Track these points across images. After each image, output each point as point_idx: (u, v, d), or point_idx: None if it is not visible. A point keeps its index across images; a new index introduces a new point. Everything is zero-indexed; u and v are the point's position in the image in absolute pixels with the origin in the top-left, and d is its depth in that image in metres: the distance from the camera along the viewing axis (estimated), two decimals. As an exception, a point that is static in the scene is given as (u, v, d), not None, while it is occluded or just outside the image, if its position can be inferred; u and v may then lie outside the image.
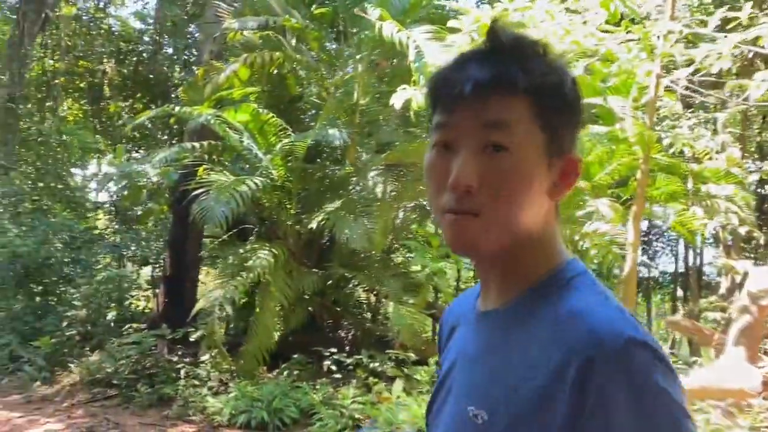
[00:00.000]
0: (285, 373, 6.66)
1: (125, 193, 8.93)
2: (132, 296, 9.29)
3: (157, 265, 10.44)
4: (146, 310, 9.88)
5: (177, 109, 7.03)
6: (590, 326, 0.71)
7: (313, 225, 6.53)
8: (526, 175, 0.76)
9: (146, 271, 11.05)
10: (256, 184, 6.52)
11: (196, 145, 6.93)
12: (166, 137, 14.71)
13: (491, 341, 0.82)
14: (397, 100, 5.79)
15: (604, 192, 6.57)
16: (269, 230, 7.73)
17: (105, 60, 16.03)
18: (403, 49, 5.80)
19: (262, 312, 6.56)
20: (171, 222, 8.62)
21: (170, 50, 16.51)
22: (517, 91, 0.76)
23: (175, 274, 8.34)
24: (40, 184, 11.69)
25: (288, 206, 7.51)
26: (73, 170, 14.67)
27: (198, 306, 6.32)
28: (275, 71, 7.85)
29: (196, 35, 14.49)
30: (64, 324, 8.43)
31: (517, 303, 0.80)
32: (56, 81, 14.65)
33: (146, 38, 16.41)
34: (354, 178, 7.16)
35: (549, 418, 0.71)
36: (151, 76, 15.34)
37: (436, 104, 0.81)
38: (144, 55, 16.15)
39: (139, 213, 11.06)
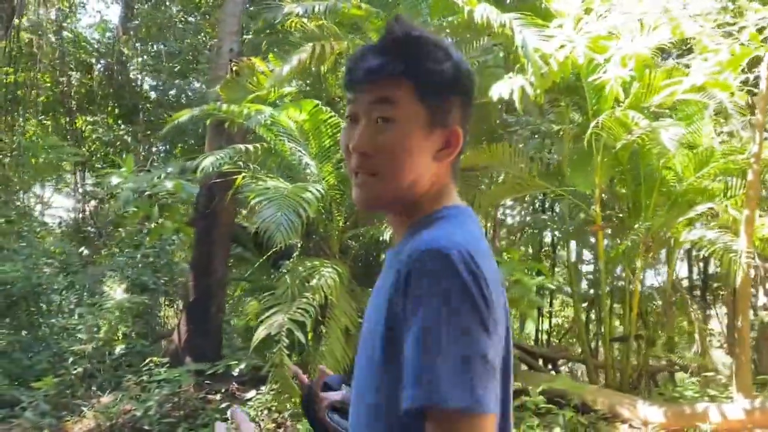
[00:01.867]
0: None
1: (130, 209, 7.85)
2: (162, 326, 8.15)
3: (160, 293, 9.31)
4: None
5: (225, 107, 6.10)
6: (419, 239, 0.94)
7: (385, 237, 5.73)
8: (407, 142, 1.00)
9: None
10: (319, 191, 5.68)
11: (250, 147, 6.02)
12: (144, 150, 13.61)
13: (384, 269, 1.07)
14: (503, 90, 5.12)
15: (705, 195, 6.05)
16: (317, 246, 6.84)
17: (69, 71, 14.80)
18: (504, 35, 5.14)
19: (330, 338, 5.67)
20: (194, 240, 7.60)
21: (138, 59, 15.45)
22: (401, 75, 1.00)
23: (200, 299, 7.31)
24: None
25: (338, 218, 6.68)
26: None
27: (259, 334, 5.37)
28: (313, 68, 7.03)
29: (166, 44, 13.52)
30: (70, 360, 7.24)
31: (405, 237, 1.04)
32: (17, 93, 13.32)
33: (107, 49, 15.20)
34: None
35: (386, 312, 0.94)
36: (117, 88, 14.23)
37: (344, 86, 1.07)
38: (114, 66, 14.92)
39: (133, 232, 9.95)
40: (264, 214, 5.36)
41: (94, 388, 7.44)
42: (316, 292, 5.58)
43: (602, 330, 6.74)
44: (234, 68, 7.03)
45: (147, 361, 6.97)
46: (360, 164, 1.02)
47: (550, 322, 8.34)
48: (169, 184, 7.24)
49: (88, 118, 14.81)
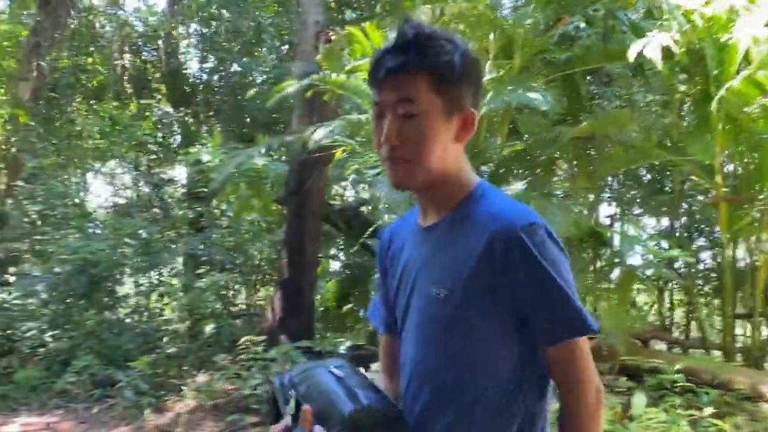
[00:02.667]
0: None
1: (223, 186, 7.69)
2: (235, 305, 8.04)
3: (237, 272, 9.20)
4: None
5: (335, 77, 5.86)
6: (502, 217, 1.15)
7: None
8: (432, 132, 1.17)
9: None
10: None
11: (362, 118, 5.79)
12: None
13: (439, 243, 1.23)
14: (646, 50, 4.79)
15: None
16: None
17: (123, 55, 14.72)
18: None
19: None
20: (287, 217, 7.43)
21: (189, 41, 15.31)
22: (416, 72, 1.16)
23: (293, 278, 7.15)
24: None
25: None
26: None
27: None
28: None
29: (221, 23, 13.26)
30: (163, 339, 7.16)
31: (452, 216, 1.23)
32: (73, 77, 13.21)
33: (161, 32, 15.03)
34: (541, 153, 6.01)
35: (483, 282, 1.14)
36: (170, 71, 14.11)
37: (370, 86, 1.23)
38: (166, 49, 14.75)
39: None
40: (382, 188, 5.14)
41: (185, 367, 7.36)
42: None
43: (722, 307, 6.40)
44: (330, 38, 6.79)
45: (243, 339, 6.85)
46: (392, 153, 1.18)
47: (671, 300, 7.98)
48: (259, 162, 7.05)
49: (141, 102, 14.71)
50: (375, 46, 6.76)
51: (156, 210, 11.74)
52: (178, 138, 13.25)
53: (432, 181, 1.21)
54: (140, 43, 15.10)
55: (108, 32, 14.52)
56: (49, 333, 8.42)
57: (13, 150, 12.00)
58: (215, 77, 13.44)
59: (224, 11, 12.88)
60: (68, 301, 8.09)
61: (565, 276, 1.14)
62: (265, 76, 12.78)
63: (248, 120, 12.02)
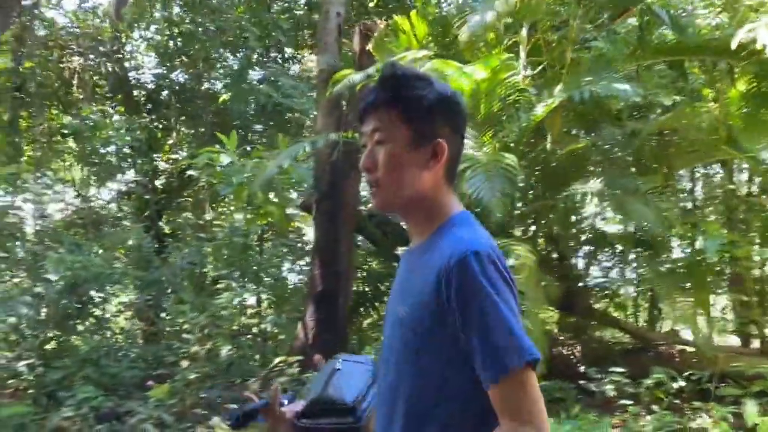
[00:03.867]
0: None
1: (230, 192, 6.97)
2: (253, 324, 7.25)
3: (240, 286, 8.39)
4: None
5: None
6: (453, 244, 1.19)
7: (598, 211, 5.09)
8: (397, 158, 1.26)
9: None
10: (513, 160, 5.01)
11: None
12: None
13: (413, 265, 1.30)
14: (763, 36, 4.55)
15: None
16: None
17: (71, 58, 13.51)
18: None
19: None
20: (317, 225, 6.78)
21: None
22: (388, 104, 1.28)
23: (327, 291, 6.51)
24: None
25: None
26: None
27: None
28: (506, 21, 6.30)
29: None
30: (184, 364, 6.30)
31: (429, 239, 1.28)
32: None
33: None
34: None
35: (433, 308, 1.18)
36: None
37: (357, 119, 1.36)
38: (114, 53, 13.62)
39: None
40: (473, 183, 4.66)
41: (203, 395, 6.54)
42: (521, 273, 4.90)
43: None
44: (369, 30, 6.27)
45: (277, 360, 6.15)
46: (368, 178, 1.31)
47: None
48: (286, 162, 6.38)
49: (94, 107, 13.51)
50: (419, 38, 6.32)
51: (126, 223, 10.76)
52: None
53: (405, 204, 1.30)
54: (87, 46, 13.85)
55: (51, 34, 13.23)
56: (26, 361, 7.37)
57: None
58: (173, 81, 12.45)
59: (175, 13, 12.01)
60: (54, 323, 7.07)
61: (501, 309, 1.14)
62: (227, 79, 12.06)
63: (214, 123, 11.19)
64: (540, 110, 5.13)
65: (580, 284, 6.66)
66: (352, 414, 1.38)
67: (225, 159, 6.46)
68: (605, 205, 5.20)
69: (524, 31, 6.49)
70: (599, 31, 5.91)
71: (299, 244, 10.10)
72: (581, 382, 5.94)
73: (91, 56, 13.56)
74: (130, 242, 7.71)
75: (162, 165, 11.72)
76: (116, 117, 11.85)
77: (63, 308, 7.02)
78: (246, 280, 7.80)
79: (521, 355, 1.11)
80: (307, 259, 9.61)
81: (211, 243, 7.97)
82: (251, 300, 8.75)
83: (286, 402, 1.46)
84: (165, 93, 12.95)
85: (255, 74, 12.49)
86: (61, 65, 12.68)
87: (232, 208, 9.21)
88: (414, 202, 1.28)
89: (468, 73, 5.10)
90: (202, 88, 12.58)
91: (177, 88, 12.06)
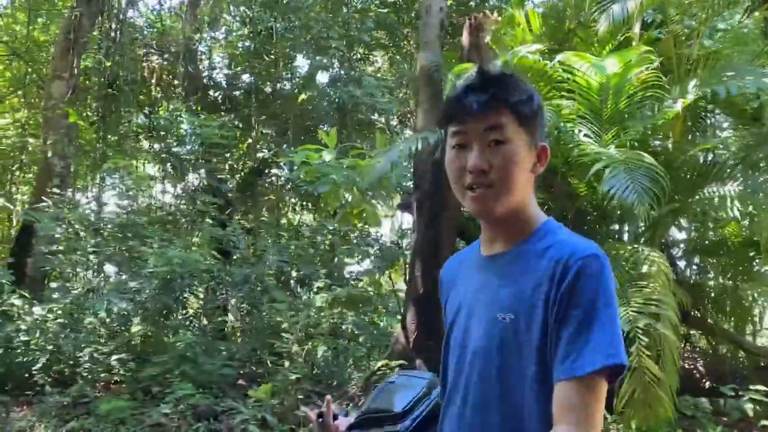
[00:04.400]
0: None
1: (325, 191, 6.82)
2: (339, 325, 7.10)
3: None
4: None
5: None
6: (567, 246, 1.19)
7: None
8: (519, 159, 1.23)
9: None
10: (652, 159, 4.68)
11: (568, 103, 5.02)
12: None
13: (505, 271, 1.26)
14: None
15: None
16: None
17: (150, 58, 13.69)
18: None
19: (665, 337, 4.64)
20: (417, 225, 6.58)
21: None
22: (505, 106, 1.23)
23: (428, 293, 6.29)
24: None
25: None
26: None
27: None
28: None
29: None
30: (285, 364, 6.19)
31: (522, 245, 1.26)
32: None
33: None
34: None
35: (545, 303, 1.16)
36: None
37: (450, 119, 1.28)
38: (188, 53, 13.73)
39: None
40: (612, 182, 4.36)
41: (300, 396, 6.41)
42: (657, 280, 4.57)
43: None
44: (480, 24, 6.04)
45: (380, 364, 5.97)
46: (477, 180, 1.23)
47: None
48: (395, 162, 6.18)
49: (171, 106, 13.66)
50: (534, 31, 6.05)
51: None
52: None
53: (512, 208, 1.25)
54: (165, 45, 14.05)
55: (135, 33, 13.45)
56: (118, 356, 7.42)
57: (49, 154, 10.95)
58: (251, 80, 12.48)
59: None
60: (150, 319, 7.08)
61: (606, 313, 1.14)
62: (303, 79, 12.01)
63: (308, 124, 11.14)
64: (678, 106, 4.79)
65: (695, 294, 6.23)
66: (402, 422, 1.36)
67: (327, 156, 6.31)
68: (748, 210, 4.80)
69: (637, 26, 6.17)
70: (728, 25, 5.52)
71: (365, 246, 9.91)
72: (702, 399, 5.55)
73: (166, 56, 13.81)
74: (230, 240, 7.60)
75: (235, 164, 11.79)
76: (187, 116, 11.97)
77: (158, 303, 7.02)
78: (330, 280, 7.66)
79: (614, 355, 1.11)
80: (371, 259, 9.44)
81: (298, 242, 7.86)
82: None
83: (340, 416, 1.47)
84: (242, 92, 13.04)
85: (322, 76, 12.47)
86: (144, 64, 12.96)
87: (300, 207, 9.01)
88: (517, 208, 1.27)
89: (602, 67, 4.80)
90: (281, 87, 12.61)
91: (255, 87, 12.09)
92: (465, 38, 6.24)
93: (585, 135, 5.32)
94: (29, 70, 11.88)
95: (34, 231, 9.13)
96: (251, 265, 7.39)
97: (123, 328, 7.42)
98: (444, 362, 1.39)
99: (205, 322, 7.63)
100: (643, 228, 5.87)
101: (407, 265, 7.55)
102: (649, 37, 6.14)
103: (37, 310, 7.81)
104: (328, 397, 1.51)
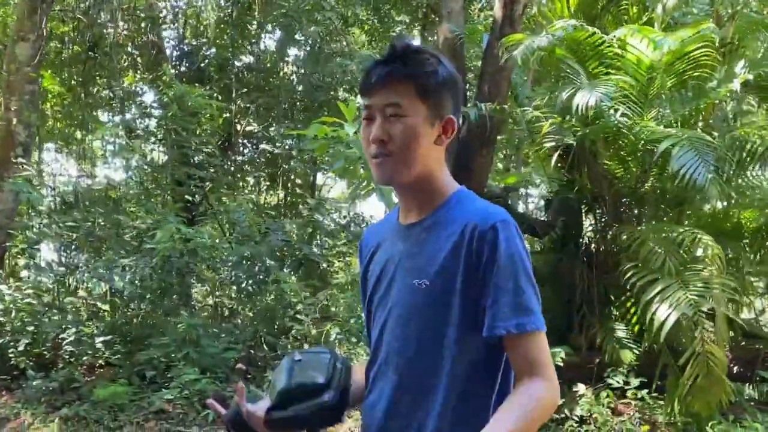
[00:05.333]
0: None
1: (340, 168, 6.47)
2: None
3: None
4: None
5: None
6: (480, 213, 1.25)
7: None
8: (415, 132, 1.26)
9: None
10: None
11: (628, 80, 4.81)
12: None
13: (420, 240, 1.31)
14: None
15: None
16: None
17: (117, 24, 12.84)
18: None
19: (722, 321, 4.55)
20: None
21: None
22: (403, 79, 1.27)
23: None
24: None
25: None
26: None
27: (662, 318, 4.22)
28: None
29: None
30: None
31: (433, 215, 1.31)
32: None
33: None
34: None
35: (456, 269, 1.22)
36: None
37: (361, 93, 1.32)
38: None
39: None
40: (683, 160, 4.21)
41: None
42: (713, 263, 4.46)
43: None
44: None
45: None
46: (379, 150, 1.28)
47: None
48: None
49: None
50: (572, 5, 5.86)
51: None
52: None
53: (415, 178, 1.28)
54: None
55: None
56: (107, 336, 6.91)
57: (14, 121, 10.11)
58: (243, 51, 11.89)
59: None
60: (148, 297, 6.58)
61: (527, 272, 1.21)
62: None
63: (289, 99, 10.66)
64: (736, 84, 4.67)
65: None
66: (327, 392, 1.36)
67: (349, 129, 5.94)
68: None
69: (660, 7, 6.05)
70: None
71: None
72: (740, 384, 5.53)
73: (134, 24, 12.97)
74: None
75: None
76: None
77: (159, 282, 6.54)
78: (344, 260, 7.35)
79: (536, 321, 1.19)
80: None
81: (311, 221, 7.49)
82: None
83: (247, 404, 1.41)
84: (217, 64, 12.37)
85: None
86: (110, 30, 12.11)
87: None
88: (421, 177, 1.29)
89: (662, 43, 4.63)
90: (263, 58, 12.03)
91: (249, 60, 11.51)
92: (497, 10, 5.98)
93: (622, 114, 5.17)
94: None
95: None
96: (255, 244, 6.96)
97: (118, 307, 6.90)
98: (367, 328, 1.45)
99: (210, 301, 7.18)
100: (671, 213, 5.80)
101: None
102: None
103: (4, 288, 7.21)
104: (240, 384, 1.46)
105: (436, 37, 7.27)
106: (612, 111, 5.17)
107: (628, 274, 4.63)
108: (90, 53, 9.18)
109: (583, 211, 6.05)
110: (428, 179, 1.30)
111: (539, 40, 4.63)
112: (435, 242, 1.27)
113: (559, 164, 5.90)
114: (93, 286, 6.71)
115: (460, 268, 1.21)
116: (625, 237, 4.98)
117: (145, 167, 9.11)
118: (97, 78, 9.74)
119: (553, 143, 5.51)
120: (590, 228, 5.95)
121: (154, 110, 10.05)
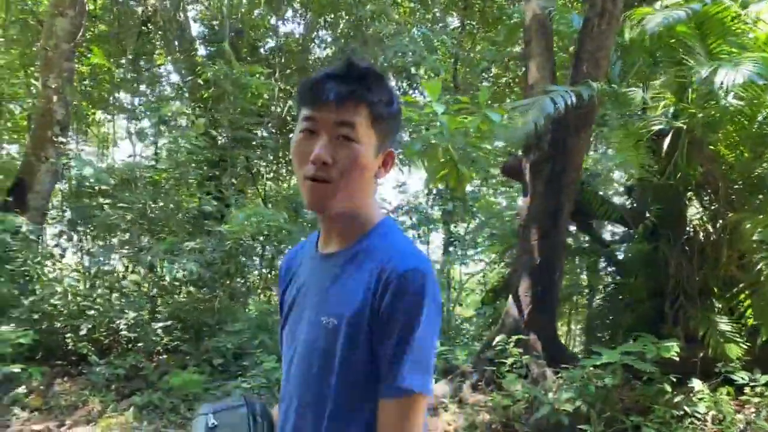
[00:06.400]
0: None
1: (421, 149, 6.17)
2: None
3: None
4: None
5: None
6: (392, 258, 1.12)
7: None
8: (364, 161, 1.16)
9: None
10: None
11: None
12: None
13: (336, 273, 1.20)
14: None
15: None
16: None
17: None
18: None
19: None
20: (532, 188, 6.00)
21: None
22: (362, 103, 1.15)
23: (545, 264, 5.77)
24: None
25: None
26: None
27: None
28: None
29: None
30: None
31: (354, 246, 1.20)
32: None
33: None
34: None
35: (369, 314, 1.11)
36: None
37: (305, 102, 1.18)
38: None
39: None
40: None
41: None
42: None
43: None
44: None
45: (498, 339, 5.43)
46: (318, 173, 1.14)
47: None
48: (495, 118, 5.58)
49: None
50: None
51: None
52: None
53: (348, 208, 1.19)
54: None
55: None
56: (162, 324, 6.62)
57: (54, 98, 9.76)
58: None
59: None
60: (219, 281, 6.28)
61: (426, 332, 1.11)
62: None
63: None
64: None
65: None
66: None
67: (438, 108, 5.63)
68: None
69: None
70: None
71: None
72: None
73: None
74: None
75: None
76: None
77: (229, 266, 6.25)
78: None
79: (427, 387, 1.12)
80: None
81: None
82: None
83: None
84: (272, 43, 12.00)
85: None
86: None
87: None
88: (353, 208, 1.21)
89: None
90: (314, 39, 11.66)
91: (284, 39, 11.15)
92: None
93: (736, 97, 4.87)
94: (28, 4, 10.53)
95: (27, 185, 8.11)
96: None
97: (178, 292, 6.61)
98: (282, 356, 1.38)
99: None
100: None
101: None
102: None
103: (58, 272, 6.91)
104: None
105: (523, 13, 6.89)
106: (722, 94, 4.87)
107: (760, 265, 4.34)
108: (144, 28, 8.79)
109: (686, 198, 5.74)
110: (357, 212, 1.21)
111: (676, 14, 4.31)
112: (351, 279, 1.18)
113: (653, 149, 5.60)
114: (160, 270, 6.39)
115: (366, 315, 1.12)
116: (749, 226, 4.68)
117: (187, 146, 8.83)
118: (145, 55, 9.35)
119: (661, 126, 5.21)
120: (697, 216, 5.65)
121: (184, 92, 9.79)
